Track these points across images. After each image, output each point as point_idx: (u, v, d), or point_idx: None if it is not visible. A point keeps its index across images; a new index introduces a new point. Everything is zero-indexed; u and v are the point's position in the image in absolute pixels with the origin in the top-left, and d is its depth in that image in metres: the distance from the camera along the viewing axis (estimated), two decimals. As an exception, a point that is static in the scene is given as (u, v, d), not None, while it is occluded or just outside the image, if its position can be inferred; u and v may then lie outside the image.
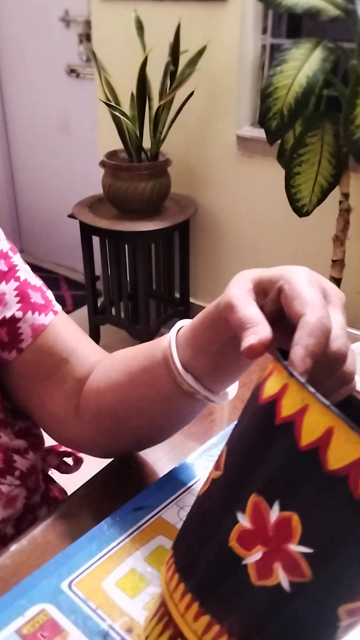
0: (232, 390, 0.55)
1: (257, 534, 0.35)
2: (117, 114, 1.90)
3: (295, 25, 2.04)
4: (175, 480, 0.61)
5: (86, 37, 2.42)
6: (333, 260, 1.79)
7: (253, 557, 0.35)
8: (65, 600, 0.49)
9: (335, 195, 1.70)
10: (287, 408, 0.34)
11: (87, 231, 2.12)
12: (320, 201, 1.68)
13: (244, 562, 0.35)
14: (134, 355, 0.57)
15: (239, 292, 0.43)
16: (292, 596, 0.35)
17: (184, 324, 0.52)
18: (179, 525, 0.56)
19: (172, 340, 0.52)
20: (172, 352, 0.51)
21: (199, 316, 0.49)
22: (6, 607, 0.49)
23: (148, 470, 0.64)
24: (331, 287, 0.43)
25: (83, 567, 0.52)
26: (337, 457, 0.32)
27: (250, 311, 0.41)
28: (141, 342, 2.34)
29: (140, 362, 0.55)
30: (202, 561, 0.38)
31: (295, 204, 1.69)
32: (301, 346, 0.37)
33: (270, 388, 0.36)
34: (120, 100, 1.96)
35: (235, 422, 0.41)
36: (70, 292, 2.80)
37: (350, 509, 0.32)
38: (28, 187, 3.02)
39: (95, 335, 2.37)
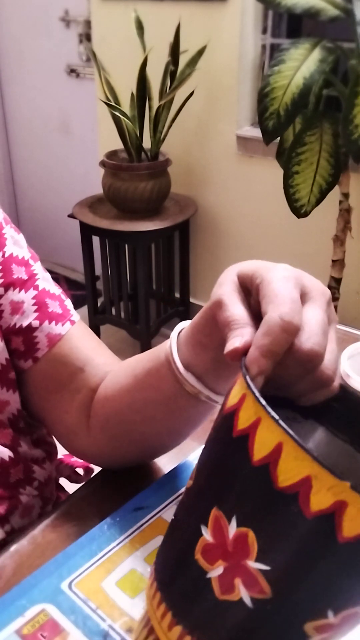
0: None
1: (218, 549, 0.34)
2: (117, 113, 1.90)
3: (296, 25, 2.04)
4: (175, 480, 0.61)
5: (86, 37, 2.42)
6: (333, 260, 1.79)
7: (216, 572, 0.35)
8: (65, 600, 0.49)
9: (335, 195, 1.70)
10: (243, 420, 0.33)
11: (87, 231, 2.12)
12: (319, 201, 1.68)
13: (208, 576, 0.35)
14: (140, 359, 0.57)
15: (228, 290, 0.42)
16: (255, 612, 0.34)
17: (185, 324, 0.52)
18: (179, 525, 0.56)
19: (172, 339, 0.51)
20: (172, 351, 0.51)
21: (199, 313, 0.49)
22: (6, 607, 0.49)
23: (148, 470, 0.64)
24: (312, 282, 0.41)
25: (83, 567, 0.52)
26: (287, 475, 0.31)
27: (237, 311, 0.40)
28: (141, 342, 2.34)
29: (144, 364, 0.55)
30: (173, 572, 0.38)
31: (293, 204, 1.68)
32: (255, 347, 0.36)
33: (233, 397, 0.35)
34: (120, 100, 1.96)
35: None
36: (70, 292, 2.80)
37: (302, 527, 0.31)
38: (28, 187, 3.02)
39: (95, 335, 2.37)
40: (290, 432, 0.31)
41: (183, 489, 0.59)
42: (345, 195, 1.70)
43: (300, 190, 1.67)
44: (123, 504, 0.58)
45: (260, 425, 0.32)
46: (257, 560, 0.33)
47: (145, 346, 2.21)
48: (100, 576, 0.51)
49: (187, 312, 2.35)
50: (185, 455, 0.64)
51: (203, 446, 0.39)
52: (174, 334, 0.52)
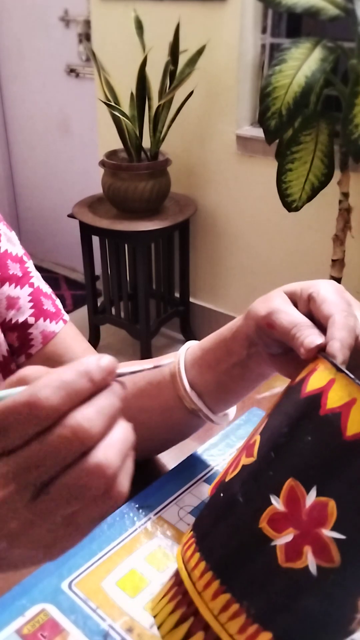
0: (232, 411, 0.57)
1: (290, 517, 0.36)
2: (116, 113, 1.90)
3: (295, 25, 2.04)
4: (175, 480, 0.61)
5: (86, 36, 2.42)
6: (333, 260, 1.79)
7: (283, 539, 0.36)
8: (66, 600, 0.49)
9: (335, 194, 1.71)
10: (333, 400, 0.36)
11: (87, 231, 2.12)
12: (310, 198, 1.69)
13: (272, 544, 0.37)
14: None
15: (281, 302, 0.46)
16: (317, 580, 0.36)
17: (192, 344, 0.55)
18: (179, 525, 0.56)
19: (181, 356, 0.54)
20: (180, 368, 0.53)
21: (210, 336, 0.52)
22: (6, 607, 0.49)
23: (148, 470, 0.64)
24: (351, 297, 0.47)
25: (83, 567, 0.52)
26: None
27: (298, 315, 0.45)
28: (141, 342, 2.33)
29: (145, 374, 0.57)
30: (227, 541, 0.39)
31: (285, 198, 1.70)
32: (336, 340, 0.41)
33: (315, 382, 0.38)
34: (119, 99, 1.96)
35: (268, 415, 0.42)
36: (70, 292, 2.80)
37: None
38: (28, 187, 3.02)
39: (95, 335, 2.37)
40: None
41: (184, 488, 0.60)
42: (345, 195, 1.70)
43: (292, 187, 1.68)
44: (123, 503, 0.58)
45: (356, 404, 0.35)
46: (334, 528, 0.35)
47: (145, 346, 2.21)
48: (101, 576, 0.51)
49: (187, 311, 2.35)
50: (185, 455, 0.64)
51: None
52: (182, 351, 0.55)
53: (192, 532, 0.43)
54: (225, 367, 0.51)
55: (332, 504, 0.35)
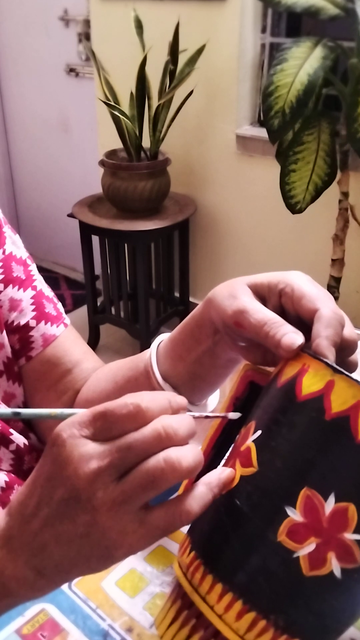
0: (212, 401, 0.57)
1: (310, 527, 0.36)
2: (116, 113, 1.90)
3: (295, 24, 2.04)
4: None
5: (85, 36, 2.42)
6: (333, 260, 1.79)
7: (306, 550, 0.36)
8: (65, 599, 0.49)
9: (334, 194, 1.70)
10: (337, 404, 0.36)
11: (86, 230, 2.12)
12: (313, 199, 1.68)
13: (295, 555, 0.36)
14: (121, 366, 0.60)
15: (248, 299, 0.44)
16: (342, 582, 0.36)
17: (164, 337, 0.55)
18: (179, 525, 0.55)
19: (152, 351, 0.54)
20: (152, 362, 0.54)
21: (179, 326, 0.52)
22: (6, 606, 0.49)
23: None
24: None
25: (83, 567, 0.52)
26: None
27: (268, 312, 0.43)
28: (141, 342, 2.33)
29: (124, 372, 0.58)
30: (244, 559, 0.38)
31: (288, 200, 1.69)
32: (323, 337, 0.40)
33: (311, 385, 0.37)
34: (119, 99, 1.96)
35: (255, 420, 0.41)
36: (70, 292, 2.80)
37: None
38: (28, 186, 3.02)
39: (95, 335, 2.37)
40: None
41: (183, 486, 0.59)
42: (345, 195, 1.70)
43: (295, 188, 1.68)
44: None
45: None
46: (356, 531, 0.35)
47: (145, 345, 2.21)
48: (100, 575, 0.51)
49: (186, 311, 2.34)
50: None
51: (254, 435, 0.39)
52: (153, 346, 0.55)
53: (195, 554, 0.41)
54: (195, 356, 0.50)
55: (352, 508, 0.35)
